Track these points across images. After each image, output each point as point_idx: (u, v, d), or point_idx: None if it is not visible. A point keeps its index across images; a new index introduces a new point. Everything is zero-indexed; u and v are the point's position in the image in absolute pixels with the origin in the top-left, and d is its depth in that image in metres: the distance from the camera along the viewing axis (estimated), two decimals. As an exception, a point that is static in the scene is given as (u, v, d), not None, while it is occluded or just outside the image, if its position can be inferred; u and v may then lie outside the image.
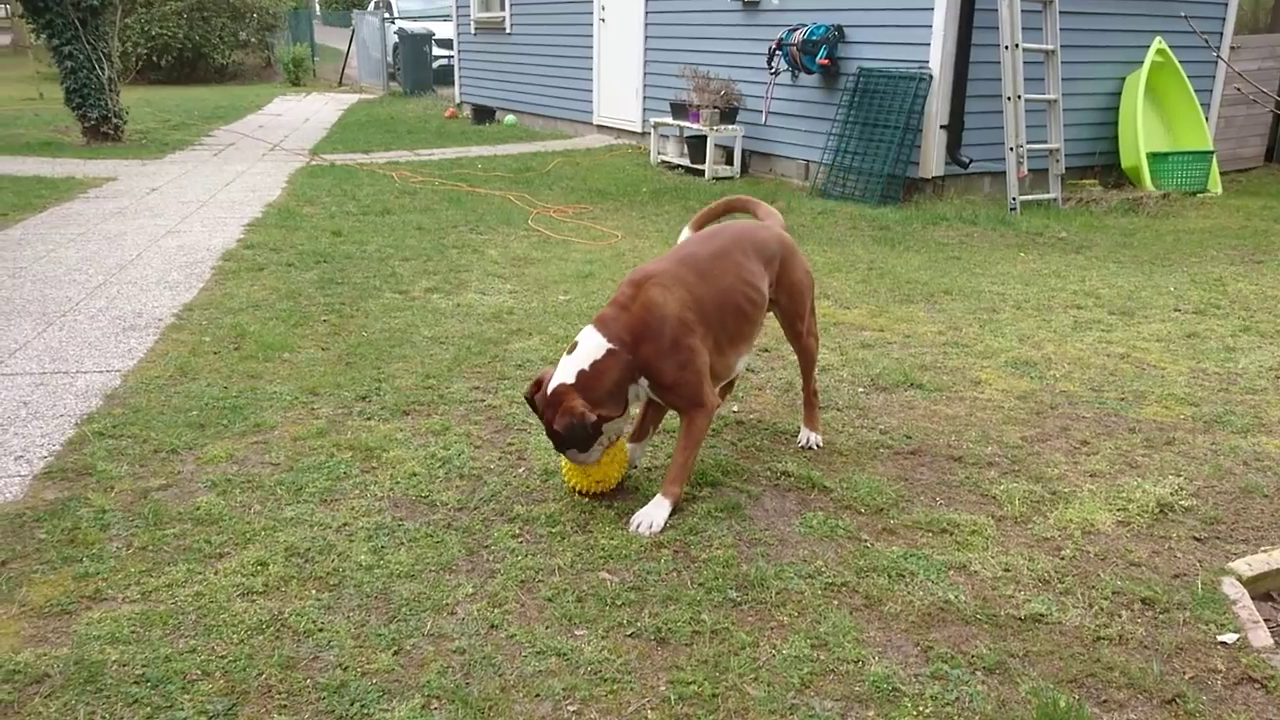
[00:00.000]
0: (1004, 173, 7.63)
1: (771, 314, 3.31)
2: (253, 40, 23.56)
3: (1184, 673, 2.18)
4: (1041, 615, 2.38)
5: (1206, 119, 8.69)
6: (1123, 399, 3.79)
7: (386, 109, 15.67)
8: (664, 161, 9.71)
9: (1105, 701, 2.10)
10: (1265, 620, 2.36)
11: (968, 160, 7.71)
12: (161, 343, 4.32)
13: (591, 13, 11.41)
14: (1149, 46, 8.22)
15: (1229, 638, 2.29)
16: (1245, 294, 5.26)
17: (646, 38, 10.55)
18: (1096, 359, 4.23)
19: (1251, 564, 2.58)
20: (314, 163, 9.86)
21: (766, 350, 4.32)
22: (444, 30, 17.52)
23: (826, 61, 8.09)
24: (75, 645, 2.23)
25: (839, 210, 7.52)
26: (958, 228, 7.00)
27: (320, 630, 2.30)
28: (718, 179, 8.95)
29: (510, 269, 5.69)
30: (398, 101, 17.05)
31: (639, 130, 10.86)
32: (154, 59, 20.90)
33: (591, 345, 2.79)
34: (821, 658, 2.22)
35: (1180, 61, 8.35)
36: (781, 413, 3.65)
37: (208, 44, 21.51)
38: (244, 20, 22.64)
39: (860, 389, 3.89)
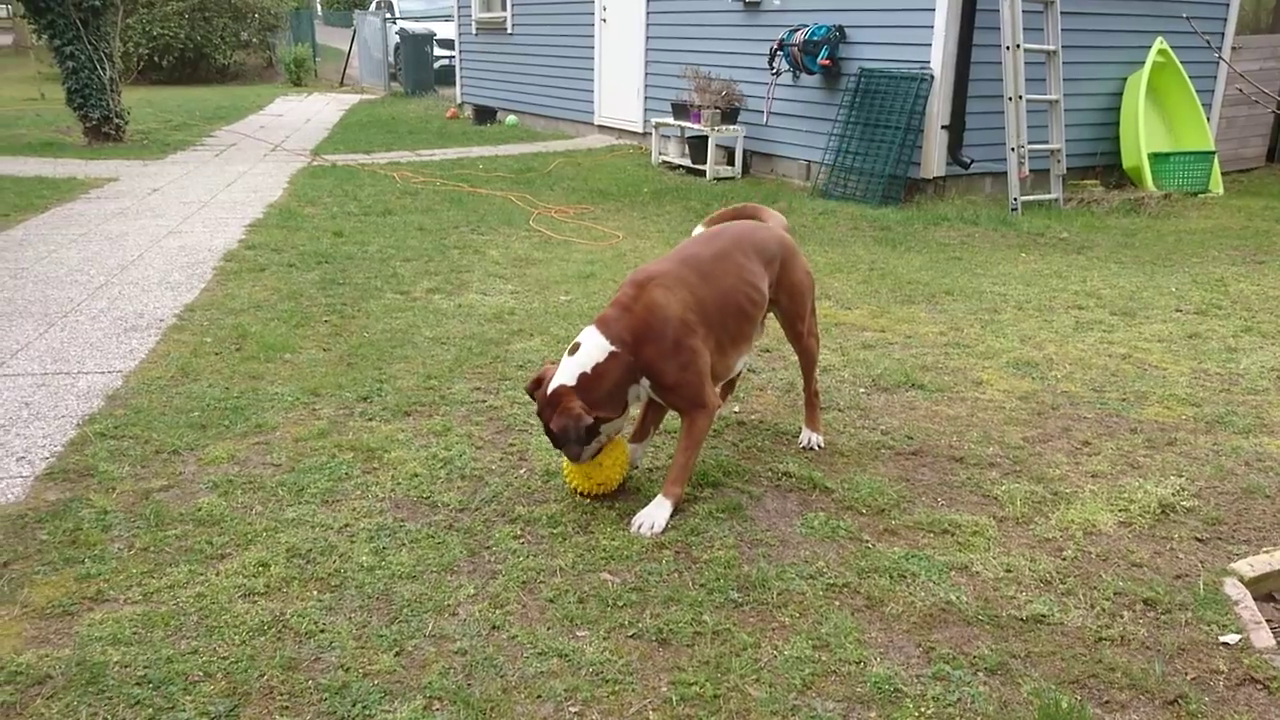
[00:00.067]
0: (1005, 173, 7.63)
1: (772, 314, 3.31)
2: (254, 40, 23.59)
3: (1186, 674, 2.18)
4: (1043, 616, 2.38)
5: (1208, 119, 8.68)
6: (1124, 399, 3.78)
7: (388, 109, 15.67)
8: (665, 162, 9.71)
9: (1107, 702, 2.09)
10: (1267, 621, 2.36)
11: (969, 161, 7.70)
12: (163, 343, 4.32)
13: (593, 13, 11.41)
14: (1150, 47, 8.22)
15: (1231, 639, 2.29)
16: (1247, 294, 5.26)
17: (648, 38, 10.55)
18: (1098, 359, 4.23)
19: (1253, 565, 2.58)
20: (315, 163, 9.87)
21: (768, 351, 4.32)
22: (445, 30, 17.53)
23: (828, 62, 8.09)
24: (77, 646, 2.24)
25: (840, 211, 7.52)
26: (959, 228, 7.00)
27: (322, 631, 2.30)
28: (719, 179, 8.95)
29: (511, 269, 5.69)
30: (399, 102, 17.06)
31: (640, 131, 10.86)
32: (155, 59, 20.91)
33: (593, 347, 2.79)
34: (823, 659, 2.22)
35: (1182, 62, 8.34)
36: (783, 413, 3.65)
37: (209, 44, 21.52)
38: (245, 20, 22.66)
39: (861, 389, 3.89)
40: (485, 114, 13.63)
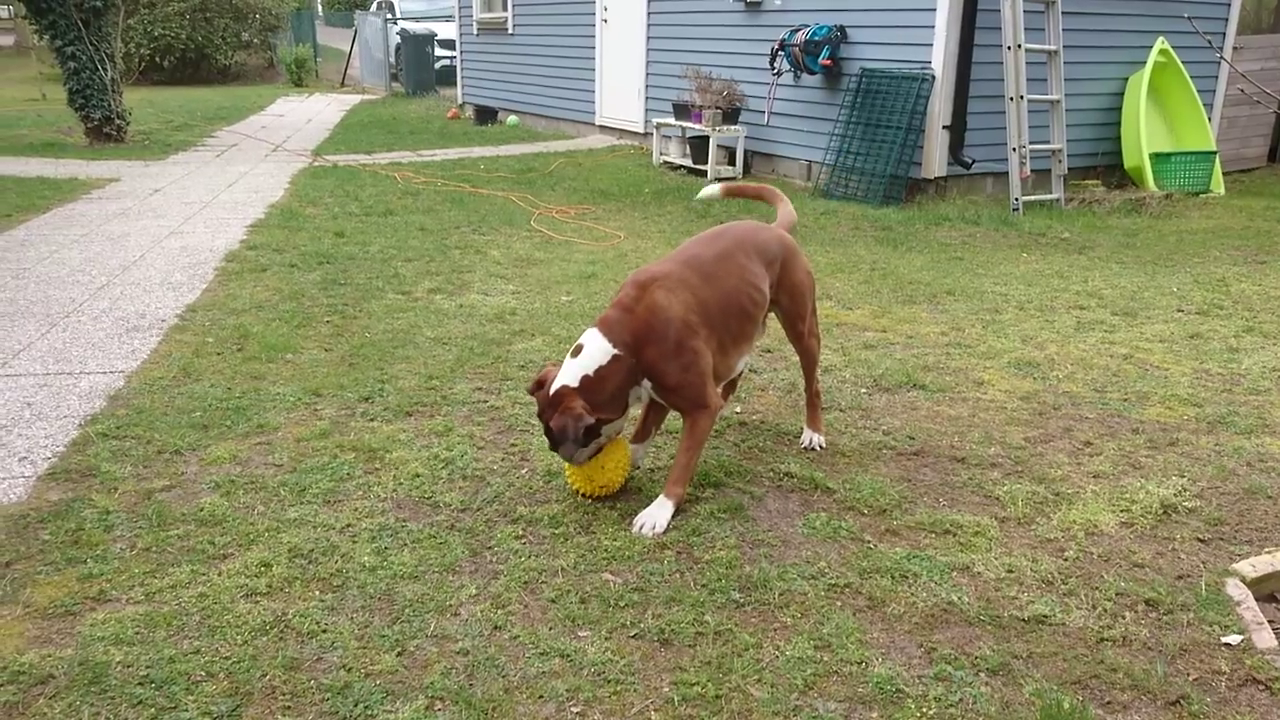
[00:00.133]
0: (1006, 173, 7.62)
1: (773, 314, 3.31)
2: (255, 41, 23.60)
3: (1188, 674, 2.18)
4: (1045, 616, 2.38)
5: (1209, 119, 8.68)
6: (1126, 400, 3.78)
7: (389, 110, 15.68)
8: (666, 162, 9.71)
9: (1109, 703, 2.09)
10: (1269, 621, 2.36)
11: (970, 161, 7.70)
12: (165, 344, 4.32)
13: (594, 13, 11.41)
14: (1151, 47, 8.22)
15: (1233, 639, 2.29)
16: (1248, 294, 5.26)
17: (649, 38, 10.56)
18: (1099, 360, 4.23)
19: (1255, 565, 2.58)
20: (317, 163, 9.87)
21: (769, 351, 4.32)
22: (446, 31, 17.53)
23: (829, 62, 8.09)
24: (80, 646, 2.24)
25: (841, 211, 7.52)
26: (960, 228, 7.00)
27: (324, 631, 2.30)
28: (720, 179, 8.93)
29: (513, 270, 5.69)
30: (400, 102, 17.06)
31: (641, 131, 10.86)
32: (157, 60, 20.93)
33: (596, 349, 2.79)
34: (825, 659, 2.22)
35: (1183, 62, 8.34)
36: (784, 414, 3.65)
37: (210, 45, 21.53)
38: (246, 21, 22.67)
39: (863, 390, 3.89)
40: (486, 114, 13.63)
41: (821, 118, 8.43)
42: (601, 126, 11.78)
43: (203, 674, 2.15)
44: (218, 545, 2.67)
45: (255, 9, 22.59)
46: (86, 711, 2.03)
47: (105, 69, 10.49)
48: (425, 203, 7.71)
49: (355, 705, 2.06)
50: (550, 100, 12.74)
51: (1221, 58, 8.48)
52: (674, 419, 3.19)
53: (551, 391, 2.81)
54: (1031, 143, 7.58)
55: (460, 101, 15.08)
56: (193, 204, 7.62)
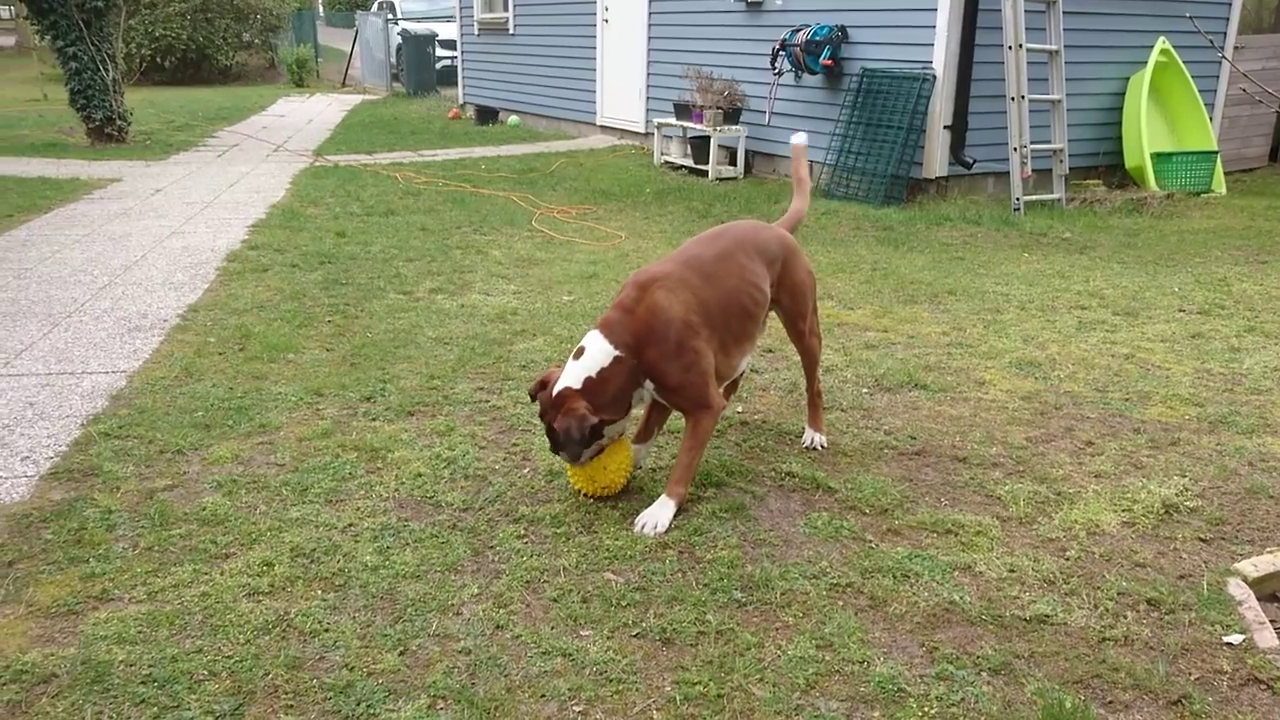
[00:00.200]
0: (1008, 173, 7.62)
1: (774, 313, 3.31)
2: (256, 41, 23.61)
3: (1190, 674, 2.18)
4: (1047, 616, 2.38)
5: (1210, 119, 8.68)
6: (1127, 399, 3.78)
7: (390, 110, 15.69)
8: (667, 162, 9.71)
9: (1111, 702, 2.10)
10: (1271, 621, 2.36)
11: (971, 161, 7.70)
12: (167, 344, 4.33)
13: (595, 13, 11.42)
14: (1153, 46, 8.22)
15: (1235, 639, 2.29)
16: (1250, 294, 5.26)
17: (650, 38, 10.56)
18: (1101, 359, 4.23)
19: (1257, 565, 2.58)
20: (318, 164, 9.88)
21: (770, 351, 4.32)
22: (447, 31, 17.53)
23: (830, 62, 8.09)
24: (82, 645, 2.24)
25: (843, 211, 7.52)
26: (961, 228, 7.00)
27: (326, 630, 2.30)
28: (721, 179, 8.95)
29: (514, 270, 5.70)
30: (401, 102, 17.07)
31: (642, 131, 10.87)
32: (158, 60, 20.94)
33: (598, 351, 2.79)
34: (827, 658, 2.22)
35: (1184, 61, 8.34)
36: (786, 413, 3.65)
37: (211, 45, 21.54)
38: (247, 21, 22.68)
39: (864, 389, 3.89)
40: (487, 114, 13.64)
41: (823, 118, 8.43)
42: (602, 126, 11.78)
43: (205, 673, 2.15)
44: (220, 544, 2.67)
45: (256, 9, 22.60)
46: (89, 710, 2.04)
47: (106, 69, 10.50)
48: (426, 203, 7.72)
49: (358, 704, 2.06)
50: (551, 100, 12.75)
51: (1223, 57, 8.47)
52: (676, 419, 3.19)
53: (554, 393, 2.81)
54: (1033, 143, 7.58)
55: (461, 101, 15.08)
56: (194, 204, 7.63)
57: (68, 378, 3.92)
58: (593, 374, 2.78)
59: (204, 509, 2.86)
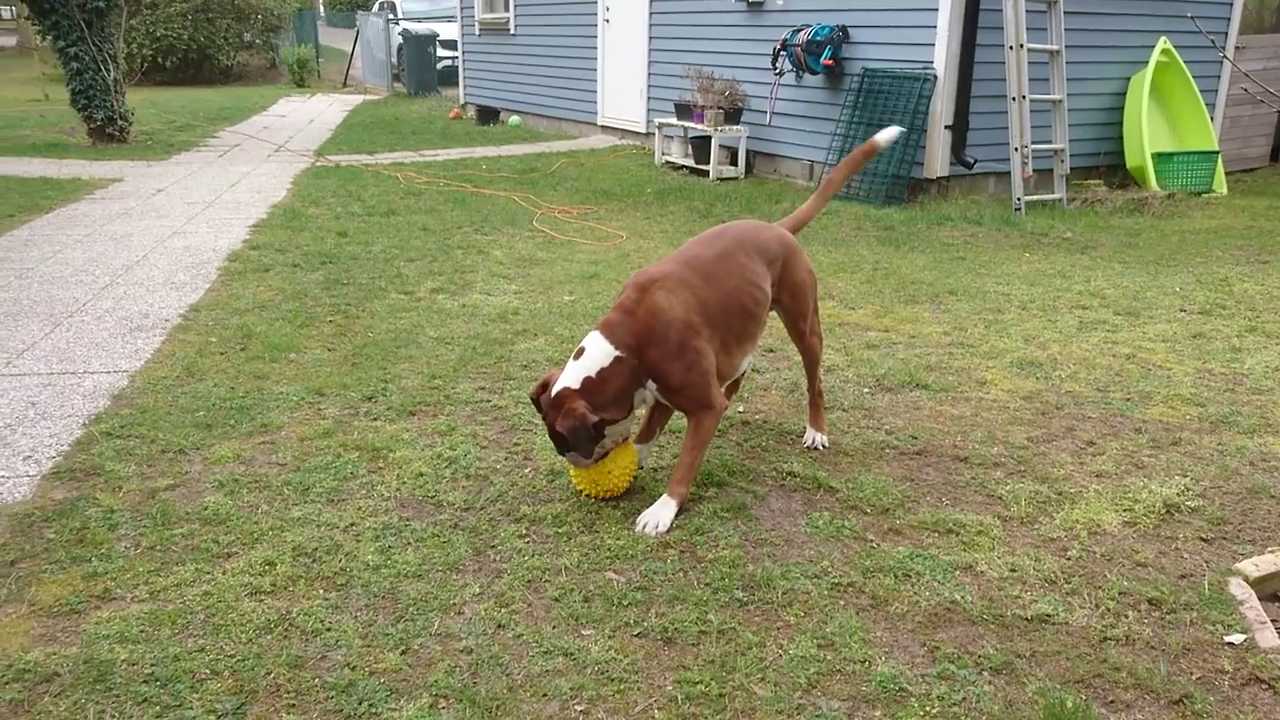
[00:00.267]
0: (1009, 173, 7.62)
1: (774, 313, 3.32)
2: (257, 41, 23.63)
3: (1191, 673, 2.18)
4: (1048, 615, 2.38)
5: (1212, 119, 8.68)
6: (1128, 399, 3.78)
7: (391, 110, 15.69)
8: (668, 162, 9.71)
9: (1112, 702, 2.10)
10: (1272, 621, 2.36)
11: (972, 160, 7.70)
12: (168, 343, 4.33)
13: (596, 13, 11.42)
14: (1154, 46, 8.21)
15: (1236, 638, 2.29)
16: (1251, 294, 5.26)
17: (651, 38, 10.56)
18: (1102, 359, 4.23)
19: (1258, 564, 2.58)
20: (319, 164, 9.88)
21: (772, 351, 4.32)
22: (448, 31, 17.54)
23: (831, 62, 8.09)
24: (84, 644, 2.24)
25: (844, 211, 7.52)
26: (962, 228, 7.00)
27: (328, 630, 2.31)
28: (722, 179, 8.95)
29: (515, 270, 5.70)
30: (402, 102, 17.08)
31: (643, 131, 10.87)
32: (159, 60, 20.95)
33: (598, 351, 2.80)
34: (828, 658, 2.22)
35: (1185, 61, 8.34)
36: (787, 413, 3.66)
37: (212, 45, 21.56)
38: (249, 21, 22.70)
39: (866, 389, 3.89)
40: (488, 114, 13.64)
41: (823, 118, 8.43)
42: (603, 126, 11.78)
43: (207, 672, 2.16)
44: (222, 544, 2.68)
45: (257, 9, 22.62)
46: (91, 709, 2.04)
47: (108, 69, 10.50)
48: (428, 203, 7.72)
49: (360, 703, 2.06)
50: (552, 100, 12.75)
51: (1224, 57, 8.47)
52: (677, 419, 3.19)
53: (554, 394, 2.81)
54: (1034, 142, 7.58)
55: (462, 102, 15.09)
56: (195, 204, 7.63)
57: (69, 377, 3.93)
58: (592, 374, 2.78)
59: (206, 508, 2.87)
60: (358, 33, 21.64)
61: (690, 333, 2.81)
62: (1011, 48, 7.28)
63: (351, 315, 4.75)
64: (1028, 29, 7.32)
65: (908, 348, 4.38)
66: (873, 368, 4.10)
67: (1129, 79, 8.36)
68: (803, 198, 7.92)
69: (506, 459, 3.23)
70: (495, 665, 2.19)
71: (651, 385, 2.85)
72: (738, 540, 2.73)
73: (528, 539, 2.73)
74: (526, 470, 3.16)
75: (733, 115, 8.94)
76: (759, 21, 8.98)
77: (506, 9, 13.34)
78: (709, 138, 8.92)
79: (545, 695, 2.10)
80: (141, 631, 2.29)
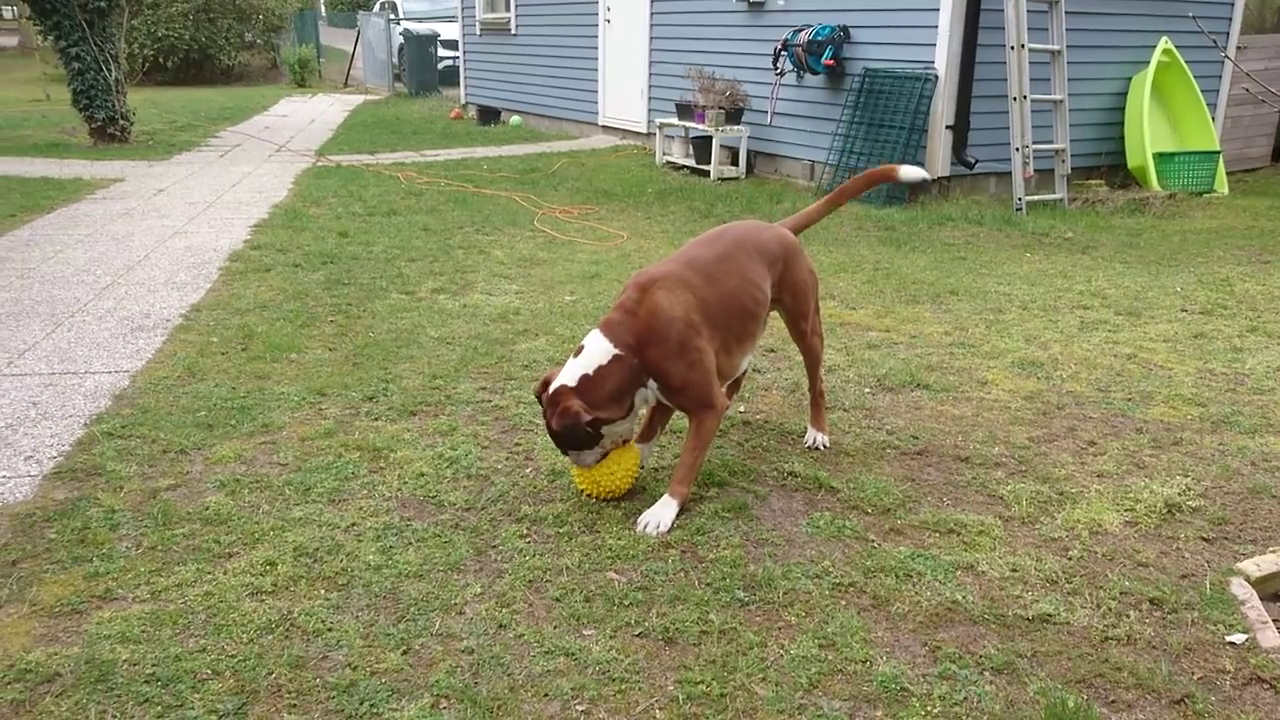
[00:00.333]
0: (1010, 173, 7.62)
1: (775, 313, 3.32)
2: (258, 41, 23.63)
3: (1192, 673, 2.18)
4: (1049, 615, 2.38)
5: (1213, 119, 8.67)
6: (1130, 399, 3.78)
7: (392, 110, 15.70)
8: (669, 162, 9.71)
9: (1113, 702, 2.10)
10: (1274, 620, 2.36)
11: (973, 161, 7.70)
12: (169, 343, 4.33)
13: (597, 14, 11.42)
14: (1155, 46, 8.21)
15: (1237, 638, 2.29)
16: (1252, 294, 5.25)
17: (652, 39, 10.56)
18: (1103, 359, 4.23)
19: (1260, 564, 2.58)
20: (320, 164, 9.88)
21: (773, 350, 4.32)
22: (449, 31, 17.55)
23: (832, 62, 8.09)
24: (86, 644, 2.24)
25: (845, 210, 7.49)
26: (963, 228, 7.00)
27: (329, 630, 2.31)
28: (723, 179, 8.95)
29: (516, 270, 5.70)
30: (403, 102, 17.08)
31: (644, 131, 10.87)
32: (160, 60, 20.96)
33: (597, 350, 2.80)
34: (829, 658, 2.22)
35: (1186, 61, 8.33)
36: (788, 413, 3.66)
37: (214, 45, 21.56)
38: (250, 22, 22.70)
39: (867, 389, 3.89)
40: (489, 114, 13.64)
41: (824, 118, 8.43)
42: (604, 127, 11.78)
43: (209, 672, 2.16)
44: (223, 544, 2.68)
45: (258, 9, 22.62)
46: (93, 709, 2.04)
47: (109, 69, 10.51)
48: (429, 203, 7.72)
49: (361, 703, 2.06)
50: (553, 100, 12.75)
51: (1225, 57, 8.47)
52: (678, 419, 3.19)
53: (550, 391, 2.82)
54: (1035, 143, 7.58)
55: (463, 102, 15.09)
56: (197, 204, 7.64)
57: (71, 377, 3.93)
58: (589, 371, 2.78)
59: (207, 508, 2.87)
60: (359, 33, 21.65)
61: (691, 332, 2.81)
62: (1013, 48, 7.28)
63: (353, 315, 4.75)
64: (1029, 29, 7.32)
65: (909, 348, 4.38)
66: (874, 368, 4.10)
67: (1130, 79, 8.36)
68: (804, 198, 7.94)
69: (508, 459, 3.24)
70: (496, 665, 2.19)
71: (653, 385, 2.85)
72: (739, 540, 2.73)
73: (529, 539, 2.73)
74: (528, 470, 3.16)
75: (734, 115, 8.94)
76: (760, 21, 8.98)
77: (507, 9, 13.34)
78: (710, 138, 8.92)
79: (547, 695, 2.10)
80: (143, 631, 2.29)
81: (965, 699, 2.09)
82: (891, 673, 2.16)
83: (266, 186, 8.48)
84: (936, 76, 7.46)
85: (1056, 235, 6.79)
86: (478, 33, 14.34)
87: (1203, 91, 8.47)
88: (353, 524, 2.80)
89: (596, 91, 11.74)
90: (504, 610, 2.39)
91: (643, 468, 3.13)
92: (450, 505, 2.92)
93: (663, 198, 8.12)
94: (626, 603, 2.43)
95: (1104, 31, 8.15)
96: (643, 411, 3.01)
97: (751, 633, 2.31)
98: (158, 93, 18.58)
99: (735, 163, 9.14)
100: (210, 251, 6.04)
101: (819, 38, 8.10)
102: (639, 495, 2.99)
